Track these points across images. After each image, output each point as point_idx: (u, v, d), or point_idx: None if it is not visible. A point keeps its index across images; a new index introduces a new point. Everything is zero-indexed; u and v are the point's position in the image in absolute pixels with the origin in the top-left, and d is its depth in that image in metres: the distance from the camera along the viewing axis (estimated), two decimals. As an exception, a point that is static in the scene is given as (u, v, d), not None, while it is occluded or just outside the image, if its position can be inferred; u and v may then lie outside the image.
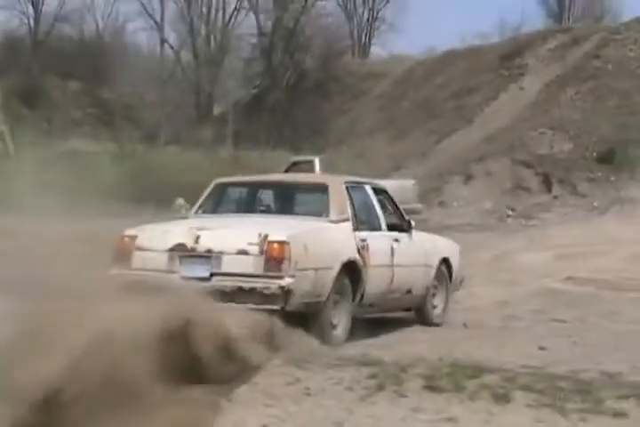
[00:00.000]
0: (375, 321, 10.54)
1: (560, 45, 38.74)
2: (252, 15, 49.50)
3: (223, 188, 10.35)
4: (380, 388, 7.13)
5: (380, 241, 9.76)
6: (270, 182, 10.65)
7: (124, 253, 8.83)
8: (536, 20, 55.01)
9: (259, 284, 8.33)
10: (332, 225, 9.30)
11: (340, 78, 46.41)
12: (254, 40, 49.92)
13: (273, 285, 8.30)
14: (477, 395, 6.96)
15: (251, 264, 8.41)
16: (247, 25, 49.74)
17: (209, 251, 8.54)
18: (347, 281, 9.08)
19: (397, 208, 10.65)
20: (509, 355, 9.21)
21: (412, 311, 11.11)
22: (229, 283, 8.39)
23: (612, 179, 28.74)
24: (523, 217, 26.50)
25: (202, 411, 6.50)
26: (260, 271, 8.40)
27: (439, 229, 24.30)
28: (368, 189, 10.25)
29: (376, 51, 58.54)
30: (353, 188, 9.94)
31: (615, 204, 27.28)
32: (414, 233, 10.63)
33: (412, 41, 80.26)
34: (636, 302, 13.70)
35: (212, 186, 10.20)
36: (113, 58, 49.52)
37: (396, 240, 10.12)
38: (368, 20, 58.30)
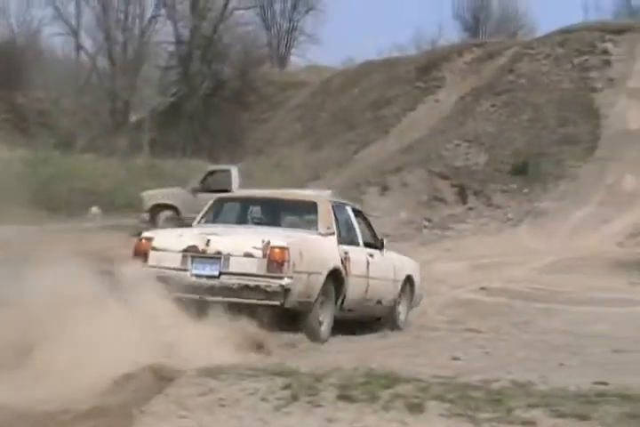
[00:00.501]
0: (291, 330, 10.57)
1: (476, 59, 39.34)
2: (169, 23, 49.16)
3: (223, 202, 11.64)
4: (295, 398, 7.13)
5: (358, 255, 10.95)
6: (266, 199, 12.07)
7: (141, 251, 10.04)
8: (452, 34, 55.67)
9: (262, 282, 9.52)
10: (321, 237, 10.51)
11: (259, 88, 46.38)
12: (172, 48, 49.63)
13: (274, 284, 9.50)
14: (391, 405, 7.00)
15: (255, 265, 9.59)
16: (165, 32, 49.37)
17: (218, 253, 9.71)
18: (331, 286, 10.26)
19: (372, 228, 11.95)
20: (424, 365, 9.28)
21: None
22: (236, 281, 9.57)
23: (526, 191, 29.27)
24: (438, 228, 26.79)
25: (115, 422, 6.43)
26: (263, 272, 9.57)
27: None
28: (349, 209, 11.54)
29: (295, 61, 58.70)
30: (337, 207, 11.23)
31: (528, 215, 27.78)
32: (385, 251, 11.81)
33: (331, 51, 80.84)
34: (546, 312, 13.98)
35: (213, 200, 11.47)
36: (27, 62, 48.67)
37: (371, 256, 11.28)
38: (287, 30, 58.47)
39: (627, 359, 10.34)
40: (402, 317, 12.26)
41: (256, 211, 11.47)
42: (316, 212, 10.81)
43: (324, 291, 10.08)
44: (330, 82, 44.59)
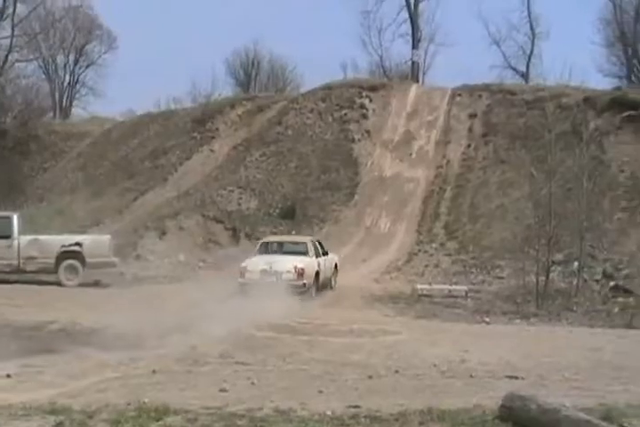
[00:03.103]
0: (65, 373, 10.33)
1: (247, 112, 39.81)
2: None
3: (265, 243, 22.44)
4: (66, 435, 6.97)
5: (321, 261, 21.70)
6: (284, 240, 23.44)
7: (242, 272, 20.10)
8: (225, 88, 55.93)
9: (296, 282, 19.76)
10: (311, 258, 21.16)
11: (41, 138, 45.00)
12: (-46, 98, 47.52)
13: (300, 283, 19.84)
14: (160, 436, 6.97)
15: (292, 276, 19.96)
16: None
17: (276, 271, 19.99)
18: (315, 278, 20.73)
19: (323, 246, 22.83)
20: (194, 397, 9.29)
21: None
22: (284, 283, 19.29)
23: (294, 232, 29.78)
24: (213, 268, 26.77)
25: None
26: (295, 278, 19.95)
27: (135, 282, 24.16)
28: (316, 241, 22.72)
29: (77, 112, 57.49)
30: (312, 241, 22.33)
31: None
32: (329, 255, 22.90)
33: (113, 103, 79.50)
34: (309, 344, 14.23)
35: (260, 242, 22.64)
36: None
37: (325, 260, 22.09)
38: (69, 82, 57.39)
39: (378, 384, 10.74)
40: (334, 283, 22.99)
41: (280, 246, 22.25)
42: (306, 245, 21.72)
43: (314, 280, 20.67)
44: (111, 132, 43.92)
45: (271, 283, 19.10)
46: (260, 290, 17.88)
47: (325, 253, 22.46)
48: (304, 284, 19.87)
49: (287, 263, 20.16)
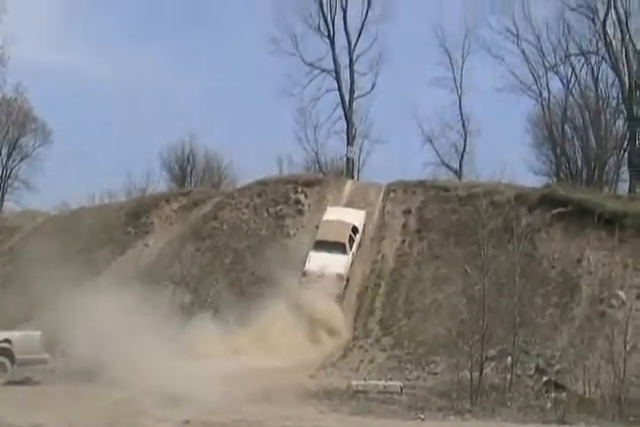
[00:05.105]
0: None
1: (182, 207, 39.98)
2: None
3: (318, 241, 32.00)
4: None
5: (354, 246, 32.50)
6: (329, 240, 31.90)
7: (303, 273, 30.83)
8: (161, 183, 55.99)
9: (338, 282, 30.80)
10: (348, 255, 31.97)
11: (-28, 233, 44.52)
12: None
13: (343, 281, 31.33)
14: None
15: (336, 278, 30.74)
16: None
17: (326, 276, 30.48)
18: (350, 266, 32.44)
19: (355, 230, 33.56)
20: None
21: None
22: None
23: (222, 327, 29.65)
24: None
25: None
26: (337, 279, 30.84)
27: (63, 378, 23.80)
28: (350, 233, 32.95)
29: (10, 206, 57.08)
30: (350, 237, 32.65)
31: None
32: (357, 232, 33.52)
33: (46, 197, 78.91)
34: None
35: (315, 241, 32.22)
36: None
37: (355, 242, 32.85)
38: (1, 176, 57.13)
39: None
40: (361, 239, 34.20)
41: (327, 245, 31.27)
42: (344, 245, 31.70)
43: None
44: (43, 226, 43.65)
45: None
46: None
47: (356, 232, 33.26)
48: (347, 281, 31.09)
49: (333, 269, 30.17)
